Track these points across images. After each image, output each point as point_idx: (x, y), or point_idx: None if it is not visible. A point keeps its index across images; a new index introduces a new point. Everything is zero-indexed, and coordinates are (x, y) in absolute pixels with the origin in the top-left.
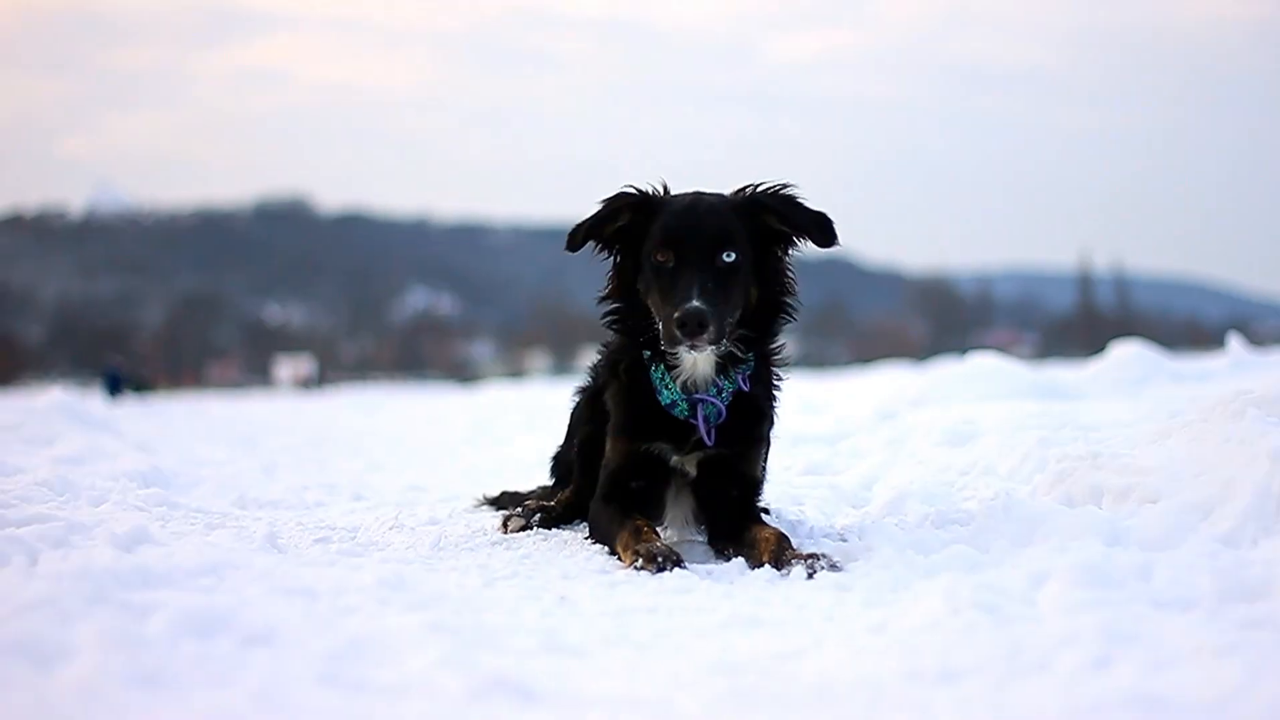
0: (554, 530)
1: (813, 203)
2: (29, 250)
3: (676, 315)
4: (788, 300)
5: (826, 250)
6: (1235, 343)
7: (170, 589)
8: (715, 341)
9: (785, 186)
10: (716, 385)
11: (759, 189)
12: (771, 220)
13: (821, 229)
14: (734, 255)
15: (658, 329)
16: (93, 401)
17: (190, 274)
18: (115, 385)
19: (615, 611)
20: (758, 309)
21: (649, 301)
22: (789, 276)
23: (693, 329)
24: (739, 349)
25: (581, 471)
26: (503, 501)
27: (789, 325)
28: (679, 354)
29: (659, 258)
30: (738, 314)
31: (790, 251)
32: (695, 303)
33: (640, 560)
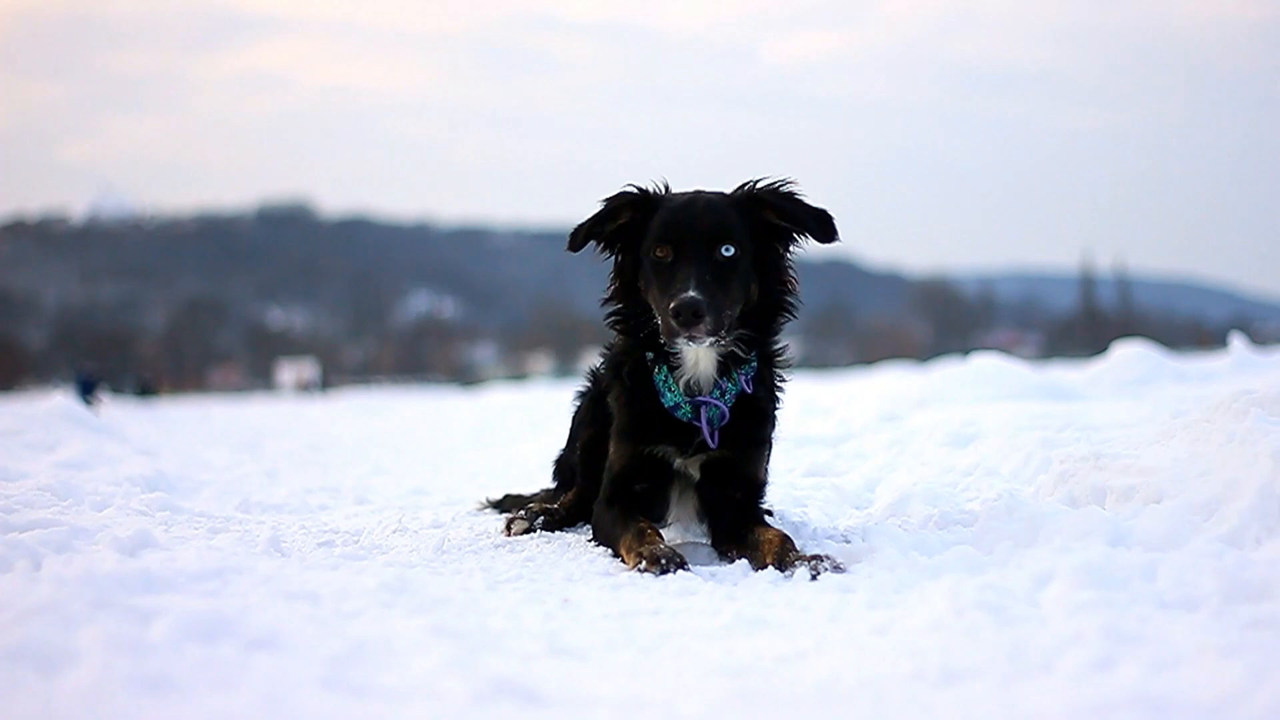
0: (557, 533)
1: (813, 200)
2: (31, 255)
3: (672, 305)
4: (789, 298)
5: (827, 246)
6: (1238, 343)
7: (174, 594)
8: (713, 333)
9: (785, 183)
10: (719, 386)
11: (758, 185)
12: (771, 215)
13: (821, 224)
14: (733, 250)
15: (659, 326)
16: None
17: (193, 278)
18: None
19: (619, 614)
20: (759, 306)
21: (649, 298)
22: (790, 274)
23: (688, 318)
24: (740, 349)
25: (584, 474)
26: (506, 504)
27: (790, 325)
28: (680, 351)
29: (658, 253)
30: (737, 309)
31: (791, 248)
32: (691, 293)
33: (644, 562)
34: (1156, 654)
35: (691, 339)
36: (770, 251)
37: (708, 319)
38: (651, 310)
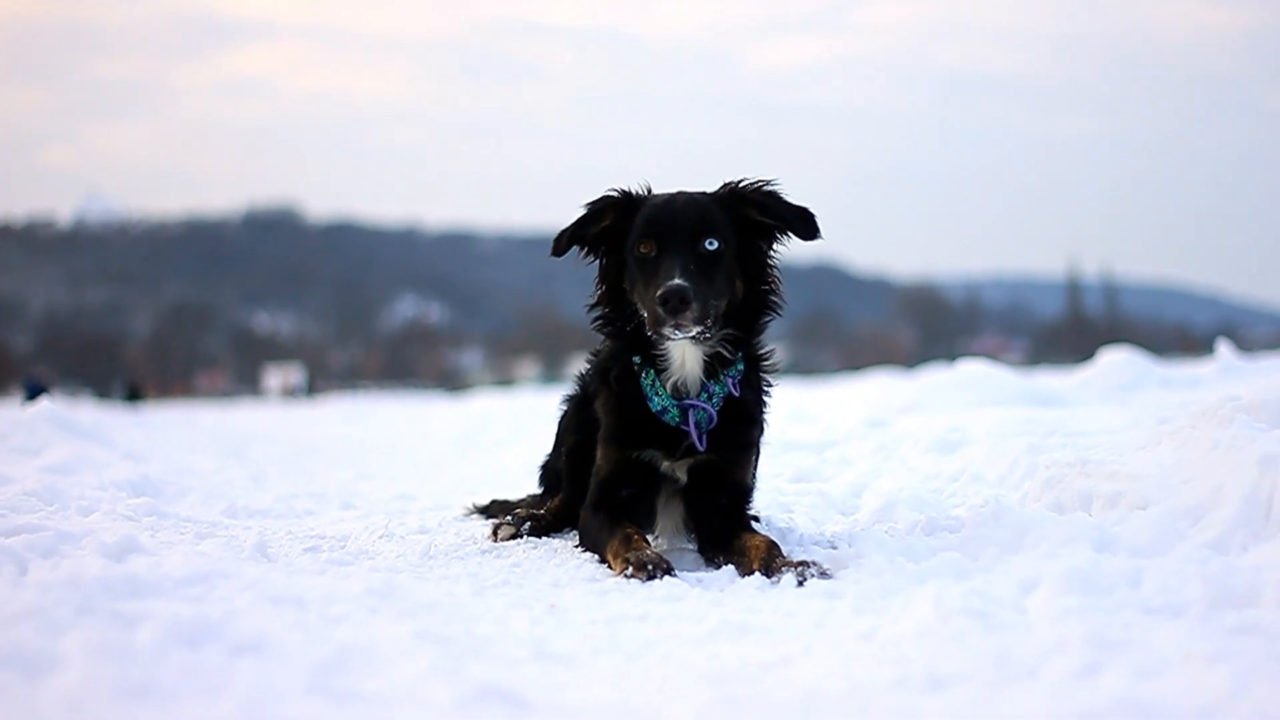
0: (544, 538)
1: (794, 198)
2: (17, 260)
3: (659, 293)
4: (773, 297)
5: (809, 243)
6: (1224, 349)
7: (159, 599)
8: (700, 321)
9: (767, 181)
10: (706, 389)
11: (740, 183)
12: (753, 212)
13: (803, 221)
14: (716, 243)
15: (644, 322)
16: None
17: (179, 283)
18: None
19: (605, 620)
20: (743, 304)
21: (635, 296)
22: (773, 272)
23: (675, 305)
24: (726, 349)
25: (570, 480)
26: (492, 510)
27: (776, 330)
28: (666, 351)
29: (642, 249)
30: (723, 302)
31: (774, 246)
32: (677, 280)
33: (630, 568)
34: (1141, 660)
35: (678, 327)
36: (754, 249)
37: (694, 305)
38: (638, 312)
